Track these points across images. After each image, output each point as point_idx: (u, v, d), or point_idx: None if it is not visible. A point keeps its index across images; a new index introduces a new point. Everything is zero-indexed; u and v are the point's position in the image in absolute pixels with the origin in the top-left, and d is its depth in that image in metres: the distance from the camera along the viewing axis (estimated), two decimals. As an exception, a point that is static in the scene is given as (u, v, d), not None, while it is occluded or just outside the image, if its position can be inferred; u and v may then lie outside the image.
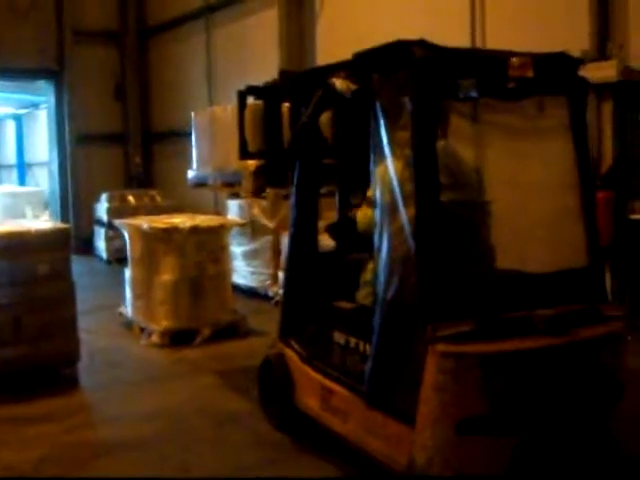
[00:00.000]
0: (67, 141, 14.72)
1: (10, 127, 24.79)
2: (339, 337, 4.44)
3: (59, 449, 4.85)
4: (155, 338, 7.38)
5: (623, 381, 3.93)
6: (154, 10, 15.36)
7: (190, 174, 6.95)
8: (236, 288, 9.10)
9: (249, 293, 9.38)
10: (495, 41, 8.38)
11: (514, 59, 3.85)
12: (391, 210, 3.87)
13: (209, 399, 5.78)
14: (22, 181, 22.98)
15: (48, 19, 14.25)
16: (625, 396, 3.91)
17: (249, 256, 9.65)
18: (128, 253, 8.23)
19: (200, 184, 6.65)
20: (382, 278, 3.90)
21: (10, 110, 22.62)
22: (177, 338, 7.35)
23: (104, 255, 13.54)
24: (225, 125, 6.07)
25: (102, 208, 13.68)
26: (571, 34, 7.46)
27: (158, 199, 13.75)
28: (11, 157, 24.82)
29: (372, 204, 4.13)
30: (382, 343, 3.94)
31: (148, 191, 14.22)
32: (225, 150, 5.99)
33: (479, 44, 8.52)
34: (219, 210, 12.12)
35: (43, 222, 8.66)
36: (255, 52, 12.09)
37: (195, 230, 7.54)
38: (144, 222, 7.84)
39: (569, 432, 3.74)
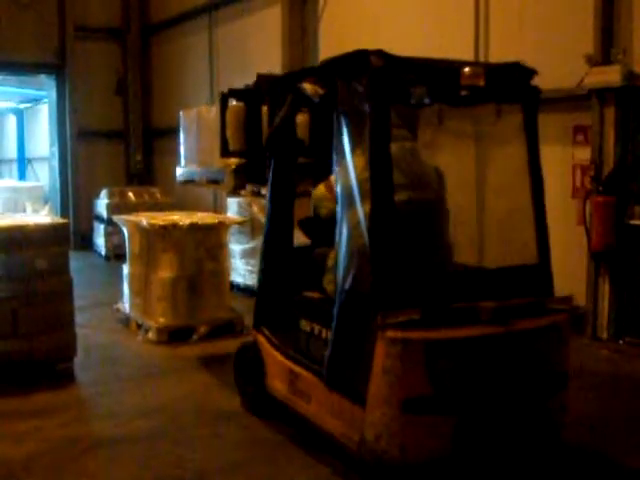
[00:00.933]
0: (68, 136, 14.70)
1: (11, 121, 24.78)
2: (305, 325, 4.74)
3: (53, 443, 4.84)
4: (152, 335, 7.38)
5: (566, 371, 4.25)
6: (157, 7, 15.35)
7: (178, 171, 7.17)
8: (234, 286, 9.11)
9: (247, 292, 9.36)
10: (499, 42, 8.39)
11: (466, 69, 4.15)
12: (350, 206, 4.16)
13: (205, 396, 5.78)
14: (22, 176, 22.97)
15: (50, 14, 14.23)
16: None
17: (248, 254, 9.64)
18: (127, 249, 8.22)
19: (187, 181, 6.91)
20: (341, 269, 4.18)
21: (11, 104, 22.61)
22: (174, 335, 7.35)
23: (103, 251, 13.53)
24: (209, 125, 6.27)
25: (102, 204, 13.67)
26: (575, 39, 7.46)
27: (158, 196, 13.73)
28: (12, 151, 24.81)
29: (330, 188, 4.55)
30: (340, 329, 4.23)
31: (148, 188, 14.21)
32: (209, 149, 6.21)
33: (482, 41, 8.50)
34: (219, 208, 12.11)
35: (42, 217, 8.64)
36: (257, 50, 12.08)
37: (194, 227, 7.54)
38: (143, 219, 7.83)
39: (508, 414, 4.04)
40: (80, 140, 14.78)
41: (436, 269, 4.30)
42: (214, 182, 6.25)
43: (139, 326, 7.70)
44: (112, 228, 12.14)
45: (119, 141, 15.67)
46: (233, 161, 5.73)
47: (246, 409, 5.34)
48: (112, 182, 14.65)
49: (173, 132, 14.00)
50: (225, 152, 5.73)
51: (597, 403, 5.66)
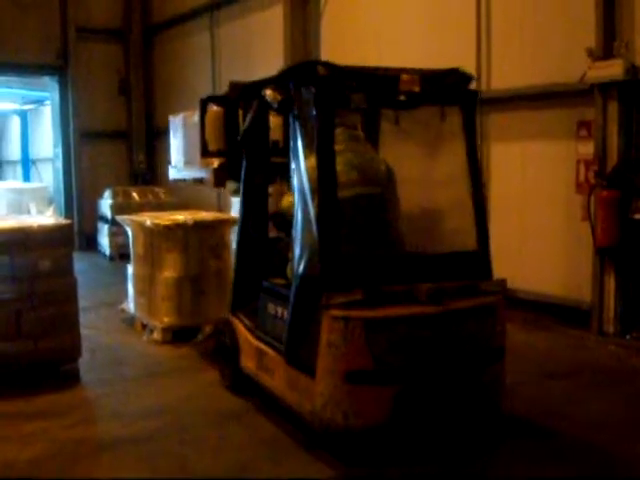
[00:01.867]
0: (71, 137, 14.72)
1: (15, 123, 24.80)
2: (271, 308, 5.23)
3: (59, 445, 4.84)
4: (157, 335, 7.38)
5: (500, 346, 4.73)
6: (159, 7, 15.35)
7: (169, 171, 7.74)
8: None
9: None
10: (501, 38, 8.37)
11: (403, 76, 4.65)
12: (303, 201, 4.64)
13: (210, 396, 5.77)
14: (26, 177, 22.99)
15: (52, 15, 14.25)
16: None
17: (252, 253, 9.61)
18: (131, 249, 8.22)
19: (178, 180, 7.58)
20: (296, 256, 4.70)
21: (15, 106, 22.61)
22: (179, 335, 7.35)
23: (107, 251, 13.54)
24: (194, 128, 6.79)
25: (105, 204, 13.68)
26: (577, 33, 7.43)
27: (162, 196, 13.74)
28: (16, 153, 24.83)
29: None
30: (295, 310, 4.71)
31: (152, 188, 14.22)
32: (194, 150, 6.71)
33: (484, 40, 8.49)
34: (223, 207, 12.11)
35: (46, 218, 8.65)
36: (259, 49, 12.08)
37: (197, 226, 7.53)
38: (147, 218, 7.82)
39: (445, 386, 4.48)
40: (83, 141, 14.81)
41: (379, 255, 4.77)
42: (199, 180, 6.71)
43: (144, 326, 7.70)
44: (116, 228, 12.14)
45: (122, 141, 15.69)
46: (214, 160, 6.19)
47: (225, 387, 5.82)
48: (116, 182, 14.68)
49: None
50: (205, 152, 6.24)
51: (600, 399, 5.64)
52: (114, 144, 15.65)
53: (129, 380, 6.23)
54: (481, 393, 4.63)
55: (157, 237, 7.54)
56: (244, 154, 5.72)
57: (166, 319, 7.41)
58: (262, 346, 5.24)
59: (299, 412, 4.68)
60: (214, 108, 6.25)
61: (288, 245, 5.18)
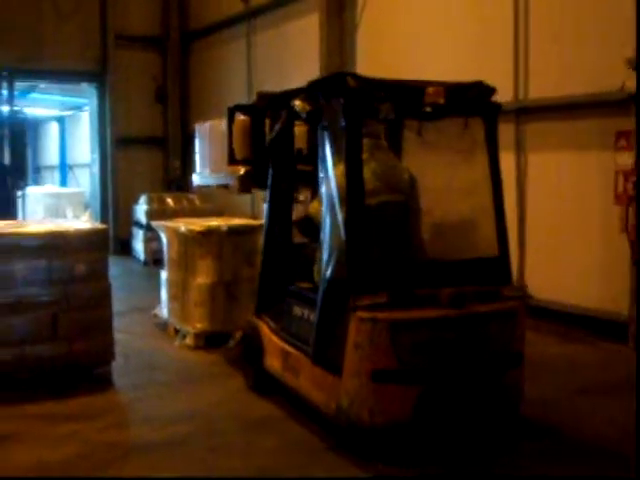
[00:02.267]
0: (108, 143, 14.90)
1: (54, 129, 25.16)
2: (297, 310, 5.41)
3: (90, 447, 4.88)
4: (189, 340, 7.41)
5: (519, 351, 4.86)
6: (196, 15, 15.48)
7: (194, 177, 7.89)
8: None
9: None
10: (538, 48, 8.30)
11: (429, 89, 4.82)
12: (331, 207, 4.83)
13: (241, 402, 5.78)
14: (64, 182, 23.31)
15: (92, 23, 14.46)
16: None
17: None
18: (165, 255, 8.27)
19: (203, 186, 7.71)
20: (324, 260, 4.87)
21: (54, 112, 22.96)
22: (211, 340, 7.37)
23: (142, 257, 13.65)
24: (220, 136, 6.94)
25: (141, 210, 13.80)
26: (615, 43, 7.34)
27: (197, 202, 13.81)
28: (54, 158, 25.19)
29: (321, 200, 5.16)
30: (322, 312, 4.89)
31: (187, 194, 14.31)
32: (220, 157, 6.84)
33: (522, 50, 8.43)
34: (256, 213, 12.14)
35: (82, 222, 8.74)
36: (295, 56, 12.12)
37: (231, 233, 7.55)
38: (181, 224, 7.87)
39: (465, 387, 4.63)
40: (120, 147, 14.97)
41: (404, 260, 4.99)
42: (224, 186, 6.84)
43: (177, 331, 7.74)
44: (151, 234, 12.23)
45: (158, 148, 15.83)
46: (240, 168, 6.36)
47: (250, 387, 5.98)
48: (150, 188, 14.79)
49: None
50: (232, 160, 6.38)
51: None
52: (150, 150, 15.79)
53: (161, 385, 6.26)
54: (500, 395, 4.78)
55: (191, 243, 7.58)
56: (271, 162, 5.88)
57: (199, 325, 7.44)
58: (287, 347, 5.41)
59: (325, 410, 4.84)
60: (241, 117, 6.41)
61: (314, 250, 5.36)
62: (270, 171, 5.89)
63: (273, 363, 5.65)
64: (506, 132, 8.60)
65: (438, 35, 9.55)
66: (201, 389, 6.16)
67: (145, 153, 15.75)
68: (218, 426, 5.27)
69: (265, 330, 5.83)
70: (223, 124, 6.79)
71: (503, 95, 8.44)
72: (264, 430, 5.18)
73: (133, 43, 15.27)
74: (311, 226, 5.59)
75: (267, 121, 6.13)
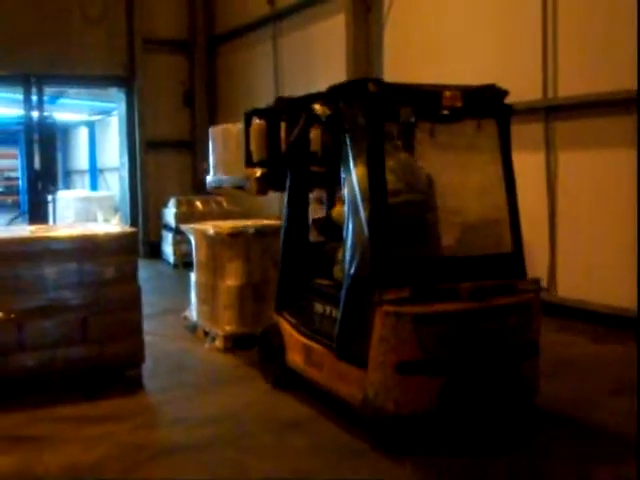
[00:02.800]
0: (137, 147, 15.01)
1: (83, 134, 25.44)
2: (318, 307, 5.63)
3: (121, 449, 4.91)
4: (219, 342, 7.43)
5: (535, 341, 5.10)
6: (222, 18, 15.54)
7: (208, 179, 8.05)
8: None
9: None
10: (567, 46, 8.21)
11: (446, 92, 5.05)
12: (354, 207, 5.03)
13: (271, 404, 5.78)
14: (94, 186, 23.57)
15: (119, 28, 14.58)
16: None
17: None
18: (194, 258, 8.31)
19: (217, 187, 7.87)
20: (347, 258, 5.06)
21: (83, 117, 23.22)
22: (240, 343, 7.36)
23: (171, 259, 13.73)
24: (235, 139, 7.13)
25: (170, 213, 13.88)
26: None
27: (225, 205, 13.86)
28: (84, 163, 25.46)
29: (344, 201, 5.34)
30: (346, 308, 5.08)
31: (215, 197, 14.35)
32: (235, 159, 7.02)
33: (550, 48, 8.34)
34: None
35: (112, 226, 8.81)
36: (322, 58, 12.11)
37: (259, 235, 7.57)
38: (210, 227, 7.90)
39: (485, 377, 4.82)
40: (148, 150, 15.07)
41: (425, 256, 5.25)
42: (240, 188, 7.00)
43: (206, 334, 7.77)
44: (180, 237, 12.30)
45: (186, 151, 15.90)
46: (257, 170, 6.51)
47: (269, 383, 6.14)
48: (179, 191, 14.88)
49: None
50: (249, 162, 6.55)
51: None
52: (178, 154, 15.88)
53: (190, 387, 6.29)
54: (518, 385, 4.98)
55: (219, 245, 7.60)
56: (290, 165, 6.08)
57: (228, 327, 7.45)
58: (310, 343, 5.59)
59: (351, 402, 5.02)
60: (257, 121, 6.57)
61: (334, 248, 5.63)
62: (288, 174, 6.08)
63: (295, 359, 5.80)
64: (535, 131, 8.55)
65: (465, 34, 9.49)
66: (230, 391, 6.17)
67: (174, 156, 15.83)
68: (248, 428, 5.27)
69: (286, 327, 5.97)
70: (237, 127, 7.05)
71: (532, 94, 8.49)
72: (294, 431, 5.17)
73: (160, 47, 15.36)
74: (330, 226, 5.94)
75: (283, 125, 6.33)
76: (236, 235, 7.49)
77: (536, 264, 8.64)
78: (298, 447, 4.90)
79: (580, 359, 6.90)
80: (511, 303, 5.01)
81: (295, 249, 6.14)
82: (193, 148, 15.87)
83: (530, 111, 8.58)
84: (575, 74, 8.15)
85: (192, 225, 8.49)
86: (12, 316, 5.81)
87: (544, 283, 8.52)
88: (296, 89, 10.70)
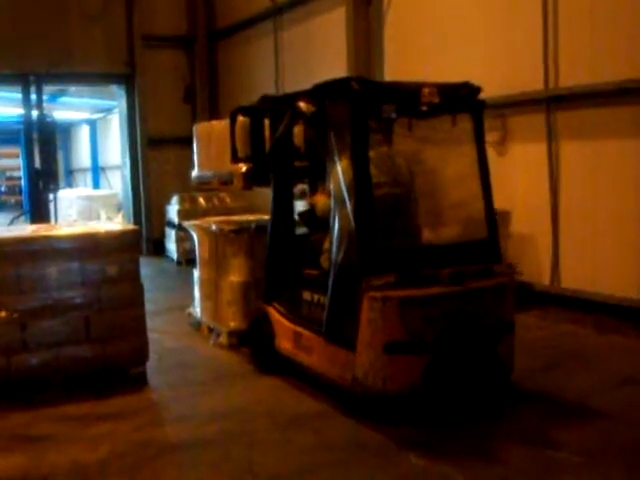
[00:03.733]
0: (138, 144, 14.98)
1: (85, 132, 25.43)
2: (306, 295, 5.95)
3: (126, 446, 4.90)
4: (223, 339, 7.41)
5: (511, 321, 5.44)
6: (222, 13, 15.49)
7: (193, 174, 8.31)
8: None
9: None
10: (568, 34, 8.17)
11: (425, 89, 5.37)
12: (340, 199, 5.37)
13: (276, 400, 5.77)
14: (96, 184, 23.55)
15: (118, 25, 14.53)
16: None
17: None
18: (197, 254, 8.29)
19: (202, 183, 8.10)
20: (334, 247, 5.39)
21: (84, 115, 23.21)
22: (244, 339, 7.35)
23: (175, 256, 13.71)
24: (221, 135, 7.32)
25: (173, 210, 13.86)
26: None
27: (228, 201, 13.83)
28: (86, 161, 25.45)
29: (327, 194, 5.83)
30: (334, 294, 5.40)
31: (217, 193, 14.31)
32: (221, 155, 7.23)
33: (551, 37, 8.30)
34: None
35: (113, 224, 8.79)
36: (323, 52, 12.07)
37: (262, 230, 7.52)
38: (212, 223, 7.88)
39: (466, 355, 5.16)
40: (150, 147, 15.04)
41: (407, 245, 5.55)
42: (225, 183, 7.24)
43: (210, 330, 7.76)
44: (183, 233, 12.29)
45: (188, 147, 15.79)
46: (241, 166, 6.77)
47: (260, 369, 6.42)
48: (182, 188, 14.81)
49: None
50: (235, 158, 6.81)
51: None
52: (180, 150, 15.75)
53: (195, 384, 6.28)
54: (496, 362, 5.33)
55: (222, 242, 7.58)
56: (275, 160, 6.36)
57: (232, 323, 7.44)
58: (299, 329, 5.89)
59: (340, 382, 5.34)
60: (241, 118, 6.83)
61: (320, 240, 5.97)
62: (273, 168, 6.40)
63: (285, 345, 6.10)
64: (537, 122, 8.52)
65: (467, 27, 9.44)
66: (235, 387, 6.16)
67: (176, 153, 15.75)
68: (253, 424, 5.26)
69: (275, 315, 6.26)
70: (222, 124, 7.35)
71: (533, 85, 8.45)
72: (300, 427, 5.17)
73: (160, 43, 15.31)
74: (313, 218, 6.29)
75: (266, 122, 6.60)
76: (239, 231, 7.47)
77: (540, 255, 8.64)
78: (304, 443, 4.89)
79: (586, 350, 6.88)
80: (488, 286, 5.36)
81: (281, 242, 6.44)
82: (195, 144, 15.81)
83: (532, 102, 8.55)
84: (576, 64, 8.11)
85: (195, 222, 8.47)
86: (15, 316, 5.81)
87: (548, 274, 8.54)
88: (297, 83, 10.67)
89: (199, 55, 15.68)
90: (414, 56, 10.26)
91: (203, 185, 8.02)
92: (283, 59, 13.34)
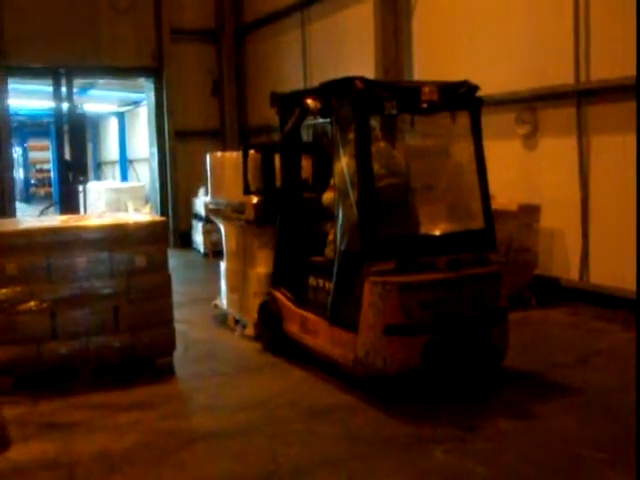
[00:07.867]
0: (166, 137, 15.05)
1: (113, 124, 25.59)
2: (312, 281, 6.30)
3: (152, 436, 4.95)
4: (249, 330, 7.44)
5: (504, 307, 5.76)
6: (250, 7, 15.51)
7: (206, 200, 8.73)
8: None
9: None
10: (601, 27, 8.07)
11: (425, 88, 5.69)
12: (344, 191, 5.77)
13: (301, 391, 5.79)
14: (124, 176, 23.68)
15: (147, 18, 14.60)
16: None
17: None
18: (224, 246, 8.33)
19: (215, 210, 8.29)
20: (339, 236, 5.79)
21: (113, 108, 23.34)
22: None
23: (201, 248, 13.79)
24: (233, 166, 7.66)
25: (200, 202, 13.91)
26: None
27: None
28: (114, 153, 25.61)
29: (333, 188, 6.13)
30: (339, 280, 5.79)
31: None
32: (233, 185, 7.57)
33: (582, 30, 8.21)
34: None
35: (142, 215, 8.85)
36: (350, 46, 12.04)
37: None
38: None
39: (461, 338, 5.48)
40: (178, 140, 15.11)
41: (407, 233, 5.89)
42: (238, 212, 7.51)
43: (236, 321, 7.79)
44: (210, 226, 12.36)
45: (215, 140, 15.91)
46: (253, 198, 7.11)
47: (269, 350, 6.82)
48: (209, 181, 14.89)
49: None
50: (247, 191, 7.16)
51: None
52: (208, 143, 15.84)
53: (221, 374, 6.32)
54: (489, 345, 5.62)
55: (249, 234, 7.61)
56: (284, 153, 6.82)
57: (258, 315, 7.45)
58: (305, 313, 6.28)
59: (343, 362, 5.65)
60: (253, 153, 7.24)
61: (326, 232, 6.38)
62: (282, 162, 6.86)
63: (291, 327, 6.49)
64: (568, 116, 8.44)
65: (496, 18, 9.37)
66: (261, 378, 6.19)
67: (203, 146, 15.77)
68: (279, 415, 5.29)
69: (283, 299, 6.67)
70: (235, 155, 7.78)
71: (564, 78, 8.37)
72: (326, 419, 5.18)
73: (188, 37, 15.38)
74: (321, 210, 6.63)
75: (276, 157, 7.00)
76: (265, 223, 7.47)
77: (569, 250, 8.57)
78: (328, 434, 4.90)
79: (616, 347, 6.81)
80: (483, 273, 5.69)
81: (289, 232, 6.80)
82: (222, 137, 15.89)
83: (562, 95, 8.46)
84: (608, 57, 8.00)
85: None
86: (45, 305, 5.87)
87: (577, 269, 8.47)
88: (325, 76, 10.66)
89: (226, 49, 15.72)
90: (443, 50, 10.20)
91: (217, 213, 8.23)
92: (311, 52, 13.32)
